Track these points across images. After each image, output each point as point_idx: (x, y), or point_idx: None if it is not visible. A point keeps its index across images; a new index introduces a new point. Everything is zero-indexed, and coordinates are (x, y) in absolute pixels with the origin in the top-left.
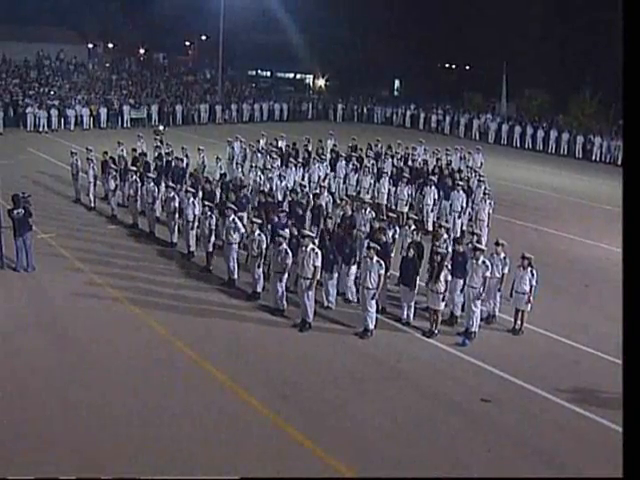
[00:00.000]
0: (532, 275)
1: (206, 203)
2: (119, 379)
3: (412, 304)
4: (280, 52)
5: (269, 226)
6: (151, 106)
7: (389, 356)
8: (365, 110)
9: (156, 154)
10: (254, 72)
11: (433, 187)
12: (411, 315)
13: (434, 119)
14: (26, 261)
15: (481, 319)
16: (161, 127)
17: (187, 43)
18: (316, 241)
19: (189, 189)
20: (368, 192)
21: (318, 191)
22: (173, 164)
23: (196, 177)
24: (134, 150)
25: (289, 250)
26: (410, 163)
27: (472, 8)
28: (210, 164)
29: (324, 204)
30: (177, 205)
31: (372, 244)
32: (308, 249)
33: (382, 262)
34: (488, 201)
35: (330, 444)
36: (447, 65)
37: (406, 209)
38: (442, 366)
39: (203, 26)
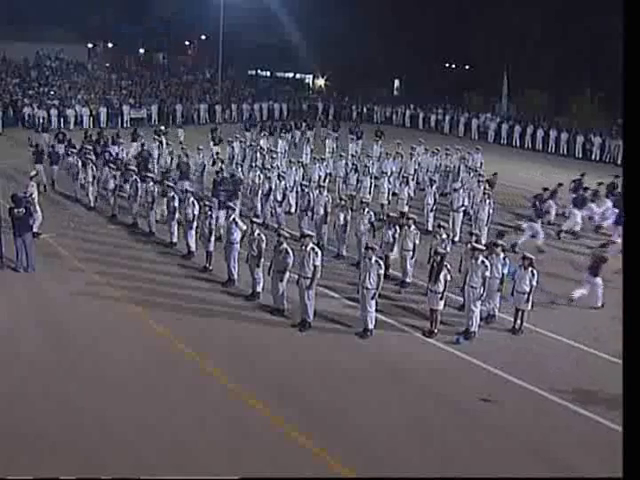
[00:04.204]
0: (532, 275)
1: (206, 203)
2: (119, 379)
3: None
4: (280, 52)
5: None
6: (151, 106)
7: (389, 356)
8: (365, 110)
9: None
10: (254, 72)
11: (433, 187)
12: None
13: (433, 119)
14: (26, 261)
15: (481, 319)
16: (162, 127)
17: (187, 43)
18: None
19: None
20: (370, 192)
21: (318, 191)
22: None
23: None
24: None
25: (290, 249)
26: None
27: (472, 8)
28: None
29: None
30: (177, 205)
31: (371, 244)
32: (308, 248)
33: (381, 262)
34: (488, 201)
35: (330, 444)
36: (447, 65)
37: (406, 209)
38: (442, 366)
39: (203, 26)
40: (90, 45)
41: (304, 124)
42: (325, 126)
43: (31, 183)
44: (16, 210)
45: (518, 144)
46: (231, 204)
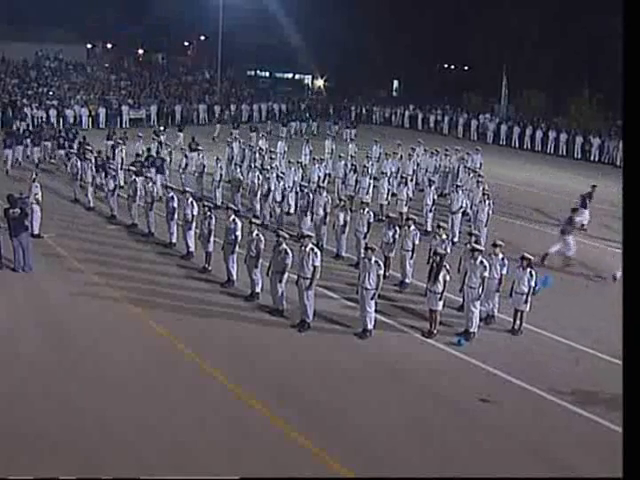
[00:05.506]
0: (531, 276)
1: (205, 203)
2: (119, 379)
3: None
4: (279, 52)
5: None
6: (150, 106)
7: (388, 356)
8: (364, 110)
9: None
10: (253, 72)
11: (432, 188)
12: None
13: (432, 119)
14: (23, 261)
15: (480, 319)
16: (162, 128)
17: (186, 43)
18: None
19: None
20: (368, 192)
21: (317, 192)
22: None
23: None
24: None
25: (289, 250)
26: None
27: (471, 9)
28: (210, 164)
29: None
30: (176, 205)
31: (370, 245)
32: (307, 249)
33: (380, 263)
34: (487, 202)
35: (330, 444)
36: (446, 66)
37: (405, 209)
38: (441, 366)
39: (202, 26)
40: (89, 45)
41: (309, 115)
42: (320, 117)
43: (35, 184)
44: (11, 211)
45: (517, 145)
46: (231, 205)
